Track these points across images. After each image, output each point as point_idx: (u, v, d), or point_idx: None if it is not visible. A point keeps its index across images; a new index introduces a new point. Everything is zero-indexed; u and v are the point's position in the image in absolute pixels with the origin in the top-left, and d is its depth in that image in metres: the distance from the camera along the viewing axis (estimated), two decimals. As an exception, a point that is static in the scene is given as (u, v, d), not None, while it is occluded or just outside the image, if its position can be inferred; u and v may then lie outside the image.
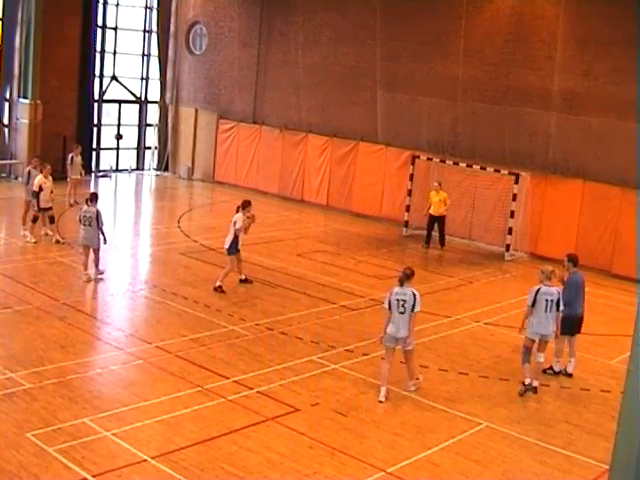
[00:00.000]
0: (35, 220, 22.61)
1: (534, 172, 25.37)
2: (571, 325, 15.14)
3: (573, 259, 15.49)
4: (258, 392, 13.64)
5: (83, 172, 28.58)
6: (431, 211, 25.51)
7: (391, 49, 28.99)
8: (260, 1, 32.89)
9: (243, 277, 20.08)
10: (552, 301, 14.25)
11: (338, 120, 30.62)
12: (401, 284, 13.81)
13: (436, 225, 25.60)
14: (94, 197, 19.55)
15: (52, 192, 22.76)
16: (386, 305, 13.80)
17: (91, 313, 17.35)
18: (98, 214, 19.23)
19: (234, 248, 19.53)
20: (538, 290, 14.31)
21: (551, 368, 15.41)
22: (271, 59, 32.80)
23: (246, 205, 19.54)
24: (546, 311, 14.27)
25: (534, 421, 13.40)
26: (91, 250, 19.45)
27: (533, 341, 14.47)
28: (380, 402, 13.58)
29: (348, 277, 21.57)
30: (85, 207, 19.45)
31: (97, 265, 19.56)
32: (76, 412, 12.30)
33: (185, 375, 14.08)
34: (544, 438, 12.74)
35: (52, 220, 22.86)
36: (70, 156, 28.15)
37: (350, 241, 26.03)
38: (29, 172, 23.63)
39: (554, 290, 14.37)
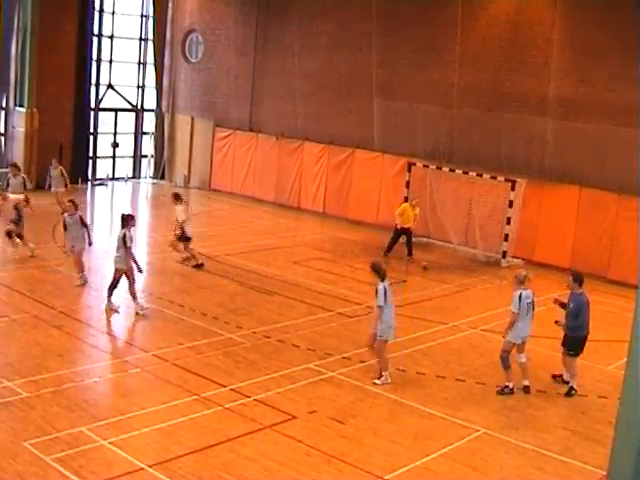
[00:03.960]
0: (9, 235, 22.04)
1: (530, 179, 25.39)
2: (577, 346, 14.96)
3: (579, 279, 15.04)
4: (255, 400, 13.62)
5: (66, 184, 27.87)
6: (403, 224, 24.77)
7: (387, 56, 29.03)
8: (256, 9, 32.95)
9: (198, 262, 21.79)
10: (530, 303, 14.75)
11: (334, 128, 30.65)
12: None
13: (405, 237, 25.03)
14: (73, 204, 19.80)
15: (23, 202, 22.30)
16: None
17: (88, 321, 17.30)
18: (81, 218, 19.63)
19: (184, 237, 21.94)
20: (520, 295, 14.58)
21: (561, 376, 15.43)
22: (267, 67, 32.84)
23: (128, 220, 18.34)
24: (527, 314, 14.69)
25: (531, 427, 13.39)
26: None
27: (514, 345, 14.70)
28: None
29: (345, 284, 21.56)
30: (66, 215, 19.76)
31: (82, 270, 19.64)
32: (73, 421, 12.28)
33: (182, 383, 14.06)
34: (542, 444, 12.73)
35: (8, 235, 21.99)
36: (48, 170, 28.17)
37: (346, 248, 26.03)
38: (8, 179, 23.81)
39: (530, 292, 14.82)
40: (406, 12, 28.44)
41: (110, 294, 17.86)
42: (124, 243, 17.59)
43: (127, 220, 17.88)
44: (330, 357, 15.95)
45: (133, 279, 17.89)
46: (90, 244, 20.01)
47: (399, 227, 24.84)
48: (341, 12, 30.34)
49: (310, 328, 17.69)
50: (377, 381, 14.64)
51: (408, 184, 27.41)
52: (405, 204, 25.22)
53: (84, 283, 19.51)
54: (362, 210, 29.74)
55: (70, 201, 20.10)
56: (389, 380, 14.65)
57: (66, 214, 19.91)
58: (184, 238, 22.23)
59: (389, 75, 29.07)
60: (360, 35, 29.60)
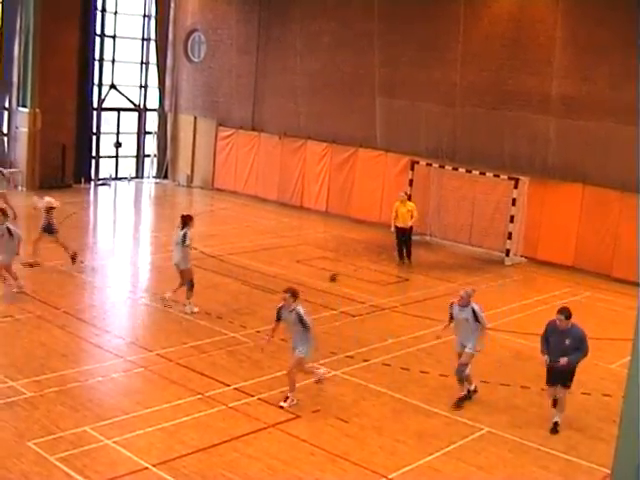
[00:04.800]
0: None
1: (533, 177, 25.39)
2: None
3: (567, 313, 13.07)
4: (259, 399, 13.64)
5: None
6: (397, 223, 24.32)
7: (389, 55, 29.02)
8: (258, 8, 32.94)
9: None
10: None
11: (337, 126, 30.64)
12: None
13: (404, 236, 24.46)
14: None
15: None
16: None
17: (91, 321, 17.29)
18: (9, 230, 18.42)
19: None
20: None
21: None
22: (269, 66, 32.84)
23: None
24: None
25: (535, 426, 13.38)
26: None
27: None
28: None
29: (348, 283, 21.57)
30: None
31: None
32: (77, 420, 12.31)
33: (186, 382, 14.07)
34: (546, 443, 12.74)
35: None
36: None
37: (350, 247, 26.02)
38: None
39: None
40: (408, 11, 28.41)
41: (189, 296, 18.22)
42: (183, 242, 17.97)
43: (187, 220, 18.24)
44: (334, 356, 15.95)
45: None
46: (17, 254, 18.88)
47: (396, 227, 24.42)
48: (343, 11, 30.33)
49: (314, 327, 17.65)
50: (284, 404, 13.50)
51: (411, 182, 27.42)
52: (396, 203, 24.66)
53: (19, 291, 18.62)
54: (365, 209, 29.73)
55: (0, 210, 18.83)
56: (295, 401, 13.59)
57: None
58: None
59: (391, 74, 29.05)
60: (362, 34, 29.58)
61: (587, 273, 23.96)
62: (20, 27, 31.41)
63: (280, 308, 13.72)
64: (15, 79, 31.74)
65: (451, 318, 14.31)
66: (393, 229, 24.56)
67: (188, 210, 31.55)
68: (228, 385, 14.07)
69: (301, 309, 13.58)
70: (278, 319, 13.77)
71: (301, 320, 13.48)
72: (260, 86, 33.26)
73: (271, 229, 27.81)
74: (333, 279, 21.63)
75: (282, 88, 32.41)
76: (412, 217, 24.32)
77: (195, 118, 35.46)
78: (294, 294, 13.63)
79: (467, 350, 14.02)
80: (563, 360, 12.90)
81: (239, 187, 33.80)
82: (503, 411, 13.91)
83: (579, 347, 13.01)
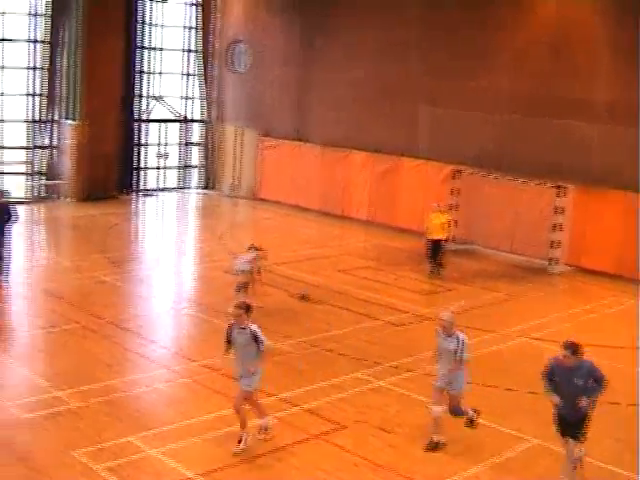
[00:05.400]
0: None
1: (578, 184, 25.11)
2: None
3: (573, 348, 11.14)
4: (303, 409, 13.60)
5: None
6: (429, 235, 23.63)
7: (433, 63, 28.87)
8: (300, 18, 33.01)
9: None
10: None
11: (379, 135, 30.53)
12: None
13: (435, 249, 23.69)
14: None
15: None
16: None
17: (136, 331, 17.39)
18: None
19: None
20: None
21: None
22: (312, 76, 32.87)
23: None
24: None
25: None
26: None
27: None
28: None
29: (391, 292, 21.48)
30: None
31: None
32: (121, 430, 12.37)
33: (230, 393, 14.01)
34: (591, 454, 12.53)
35: None
36: None
37: (392, 256, 25.89)
38: None
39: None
40: (451, 18, 28.25)
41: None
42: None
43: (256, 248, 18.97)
44: (378, 366, 15.88)
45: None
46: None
47: (427, 239, 23.84)
48: (386, 19, 30.25)
49: (357, 337, 17.64)
50: (238, 448, 11.94)
51: (455, 191, 27.29)
52: (431, 214, 23.99)
53: None
54: (407, 218, 29.55)
55: None
56: (249, 443, 12.09)
57: None
58: None
59: (435, 82, 28.87)
60: (404, 42, 29.48)
61: (630, 281, 23.59)
62: (65, 40, 31.78)
63: (230, 327, 11.94)
64: (62, 92, 32.11)
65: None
66: (425, 238, 23.96)
67: (232, 220, 31.83)
68: (272, 395, 14.04)
69: (255, 327, 11.85)
70: (228, 341, 11.94)
71: (256, 339, 11.73)
72: (303, 96, 33.31)
73: (314, 238, 27.82)
74: (304, 298, 20.34)
75: (325, 98, 32.43)
76: (445, 229, 23.76)
77: (239, 128, 35.59)
78: (248, 309, 11.94)
79: (451, 392, 12.48)
80: (583, 401, 11.01)
81: (282, 197, 33.82)
82: (551, 422, 13.70)
83: (595, 382, 11.07)
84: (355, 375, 15.31)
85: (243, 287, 18.58)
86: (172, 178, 36.82)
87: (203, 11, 35.89)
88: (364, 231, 29.88)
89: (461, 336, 12.32)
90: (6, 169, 31.95)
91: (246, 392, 12.03)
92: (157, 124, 35.80)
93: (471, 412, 12.91)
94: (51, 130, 32.54)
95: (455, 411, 12.69)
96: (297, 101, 33.51)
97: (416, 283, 22.72)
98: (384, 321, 18.92)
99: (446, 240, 24.12)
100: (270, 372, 15.10)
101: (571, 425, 11.40)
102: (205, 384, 14.47)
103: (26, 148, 32.31)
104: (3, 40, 31.02)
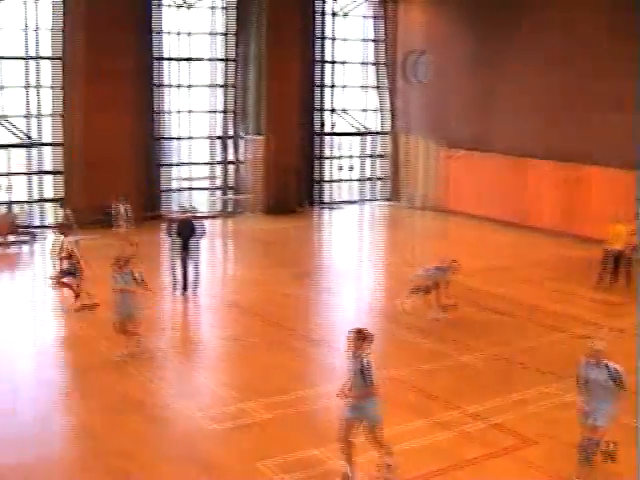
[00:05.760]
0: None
1: None
2: None
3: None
4: (491, 424, 13.40)
5: (128, 225, 25.63)
6: (606, 245, 22.56)
7: (624, 68, 27.74)
8: (482, 25, 32.65)
9: None
10: None
11: (564, 143, 29.76)
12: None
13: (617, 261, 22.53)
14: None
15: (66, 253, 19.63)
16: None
17: (325, 343, 17.54)
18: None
19: None
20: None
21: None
22: (495, 85, 32.40)
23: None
24: None
25: None
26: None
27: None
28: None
29: (578, 304, 20.88)
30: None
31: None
32: (306, 442, 12.47)
33: (416, 406, 14.05)
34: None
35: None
36: (114, 206, 25.99)
37: (579, 267, 24.90)
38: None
39: None
40: None
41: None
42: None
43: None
44: (567, 379, 15.43)
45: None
46: None
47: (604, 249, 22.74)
48: (570, 24, 29.43)
49: (545, 349, 17.25)
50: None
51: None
52: (613, 224, 22.84)
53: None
54: (593, 227, 28.56)
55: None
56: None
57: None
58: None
59: (624, 87, 27.74)
60: (591, 46, 28.58)
61: None
62: (248, 57, 32.77)
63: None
64: (248, 108, 33.14)
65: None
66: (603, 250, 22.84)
67: (420, 233, 31.68)
68: (458, 408, 13.92)
69: (367, 359, 10.84)
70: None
71: (362, 372, 10.79)
72: (487, 105, 32.90)
73: (499, 249, 27.40)
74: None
75: (507, 106, 31.92)
76: (625, 240, 22.49)
77: (423, 139, 35.55)
78: (362, 337, 10.81)
79: (598, 424, 11.23)
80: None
81: (467, 207, 33.43)
82: None
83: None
84: (543, 389, 14.96)
85: (423, 290, 19.07)
86: (353, 190, 37.18)
87: (385, 23, 36.15)
88: (551, 241, 29.07)
89: (611, 364, 11.23)
90: (194, 184, 33.21)
91: (372, 426, 11.21)
92: (337, 137, 36.32)
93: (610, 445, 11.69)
94: (235, 145, 33.55)
95: (587, 449, 11.33)
96: (480, 110, 33.13)
97: (607, 295, 21.95)
98: (572, 333, 18.41)
99: (632, 250, 22.88)
100: (455, 385, 15.05)
101: None
102: (391, 397, 14.23)
103: (211, 163, 33.48)
104: (190, 59, 32.28)
